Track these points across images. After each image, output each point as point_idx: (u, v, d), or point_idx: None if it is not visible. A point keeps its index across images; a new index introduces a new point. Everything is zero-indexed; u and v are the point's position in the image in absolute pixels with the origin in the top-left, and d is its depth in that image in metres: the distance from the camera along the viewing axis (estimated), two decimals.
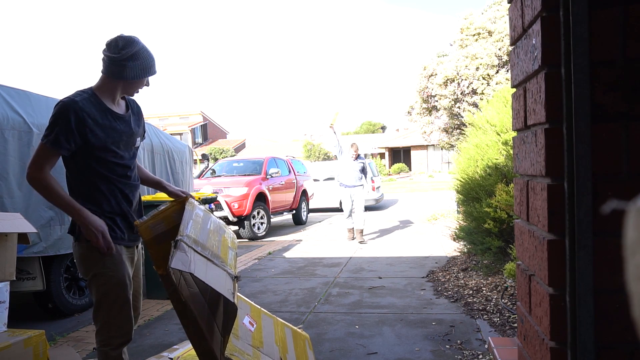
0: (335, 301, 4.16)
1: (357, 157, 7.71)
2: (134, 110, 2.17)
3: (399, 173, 32.66)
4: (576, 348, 0.94)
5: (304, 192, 10.97)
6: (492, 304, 3.73)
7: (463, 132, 11.19)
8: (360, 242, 7.55)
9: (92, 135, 1.92)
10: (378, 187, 13.48)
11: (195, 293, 2.00)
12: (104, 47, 1.97)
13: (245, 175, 9.34)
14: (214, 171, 10.14)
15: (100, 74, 2.02)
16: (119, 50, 1.93)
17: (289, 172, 10.45)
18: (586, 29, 0.92)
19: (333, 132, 7.72)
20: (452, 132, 13.87)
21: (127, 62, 1.94)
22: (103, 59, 1.97)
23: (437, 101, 13.58)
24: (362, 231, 7.73)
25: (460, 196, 5.06)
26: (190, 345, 2.99)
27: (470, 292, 4.16)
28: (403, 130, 39.35)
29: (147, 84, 2.09)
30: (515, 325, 3.22)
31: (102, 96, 1.98)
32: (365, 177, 7.89)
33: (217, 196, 8.43)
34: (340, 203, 8.12)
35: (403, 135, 36.86)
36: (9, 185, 3.41)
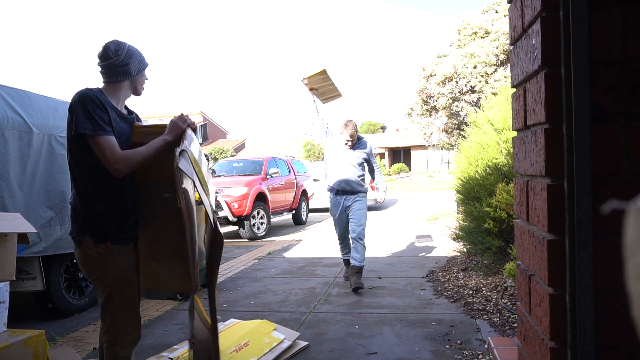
0: (335, 301, 4.16)
1: (356, 141, 4.62)
2: (134, 120, 2.21)
3: (398, 173, 32.66)
4: (576, 348, 0.94)
5: (304, 192, 10.97)
6: (492, 304, 3.73)
7: (462, 132, 11.20)
8: (355, 288, 4.38)
9: (113, 121, 1.98)
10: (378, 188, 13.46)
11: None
12: (99, 60, 2.05)
13: (245, 175, 9.33)
14: (213, 171, 10.14)
15: (102, 84, 2.07)
16: (116, 54, 2.03)
17: (289, 172, 10.45)
18: (586, 29, 0.92)
19: (309, 93, 4.50)
20: (451, 132, 13.89)
21: (127, 60, 2.04)
22: (102, 71, 2.04)
23: (436, 101, 13.60)
24: (360, 270, 4.52)
25: (460, 196, 5.07)
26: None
27: (470, 292, 4.16)
28: (403, 130, 39.38)
29: (146, 77, 2.19)
30: (515, 325, 3.22)
31: (109, 97, 2.04)
32: (373, 175, 4.85)
33: (217, 196, 8.46)
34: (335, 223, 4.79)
35: (403, 135, 36.87)
36: (10, 185, 3.41)
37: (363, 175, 4.68)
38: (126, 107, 2.17)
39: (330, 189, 4.69)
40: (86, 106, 1.88)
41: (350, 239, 4.67)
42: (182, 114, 2.14)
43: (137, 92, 2.15)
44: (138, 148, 1.97)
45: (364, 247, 4.59)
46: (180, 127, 2.07)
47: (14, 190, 3.44)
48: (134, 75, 2.07)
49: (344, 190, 4.57)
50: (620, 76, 0.93)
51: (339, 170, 4.57)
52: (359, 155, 4.63)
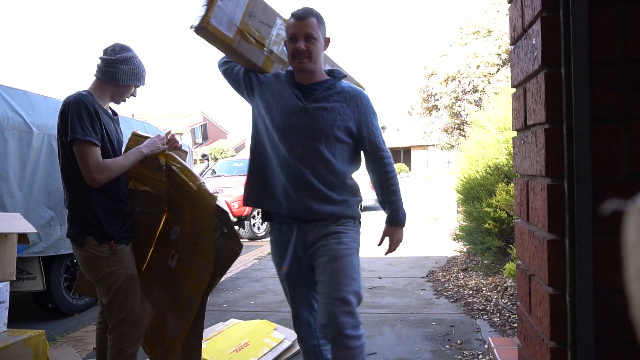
0: None
1: (325, 82, 1.88)
2: (118, 121, 2.23)
3: (399, 173, 32.64)
4: (576, 348, 0.94)
5: None
6: (492, 304, 3.73)
7: (463, 132, 11.20)
8: None
9: (105, 129, 2.00)
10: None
11: None
12: (101, 53, 2.07)
13: (245, 175, 9.32)
14: (214, 171, 10.14)
15: (92, 80, 2.09)
16: (113, 53, 2.05)
17: None
18: (586, 29, 0.92)
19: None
20: (452, 132, 13.89)
21: (118, 64, 2.03)
22: (98, 64, 2.06)
23: (437, 100, 13.60)
24: None
25: (460, 196, 5.06)
26: None
27: (470, 292, 4.16)
28: (403, 130, 39.36)
29: (134, 94, 2.18)
30: (515, 325, 3.22)
31: (96, 96, 2.05)
32: (380, 174, 1.97)
33: (217, 196, 8.47)
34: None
35: (403, 135, 36.87)
36: (9, 185, 3.40)
37: (350, 172, 1.93)
38: (110, 109, 2.18)
39: (261, 212, 2.11)
40: (80, 112, 1.89)
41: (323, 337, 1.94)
42: (159, 136, 2.19)
43: (115, 101, 2.15)
44: (116, 158, 2.00)
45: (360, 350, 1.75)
46: (158, 147, 2.13)
47: (14, 191, 3.44)
48: (118, 82, 2.05)
49: (294, 217, 1.87)
50: (620, 76, 0.93)
51: (276, 161, 1.88)
52: (333, 116, 1.83)
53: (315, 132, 1.83)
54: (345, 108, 1.86)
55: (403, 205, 2.02)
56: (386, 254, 2.12)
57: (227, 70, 2.06)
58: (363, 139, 1.93)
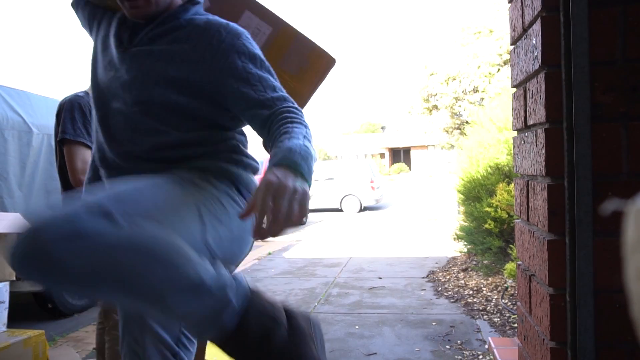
0: (335, 301, 4.16)
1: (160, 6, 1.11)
2: None
3: (399, 173, 32.65)
4: (576, 348, 0.94)
5: None
6: (492, 304, 3.73)
7: (463, 131, 11.21)
8: None
9: None
10: (379, 187, 13.43)
11: None
12: None
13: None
14: None
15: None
16: None
17: None
18: (586, 29, 0.92)
19: None
20: (452, 132, 13.91)
21: None
22: None
23: (437, 100, 13.62)
24: None
25: (461, 196, 5.06)
26: None
27: (471, 292, 4.16)
28: (403, 130, 39.40)
29: None
30: (515, 325, 3.22)
31: None
32: (275, 128, 0.98)
33: None
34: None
35: (403, 135, 36.90)
36: (9, 185, 3.41)
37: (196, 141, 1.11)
38: None
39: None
40: (73, 112, 1.90)
41: None
42: None
43: None
44: None
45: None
46: None
47: (14, 191, 3.44)
48: None
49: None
50: (620, 76, 0.93)
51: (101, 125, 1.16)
52: (161, 66, 1.09)
53: (131, 93, 1.09)
54: (188, 51, 1.09)
55: (309, 143, 0.96)
56: (260, 236, 0.82)
57: (74, 2, 1.36)
58: (226, 98, 1.09)
